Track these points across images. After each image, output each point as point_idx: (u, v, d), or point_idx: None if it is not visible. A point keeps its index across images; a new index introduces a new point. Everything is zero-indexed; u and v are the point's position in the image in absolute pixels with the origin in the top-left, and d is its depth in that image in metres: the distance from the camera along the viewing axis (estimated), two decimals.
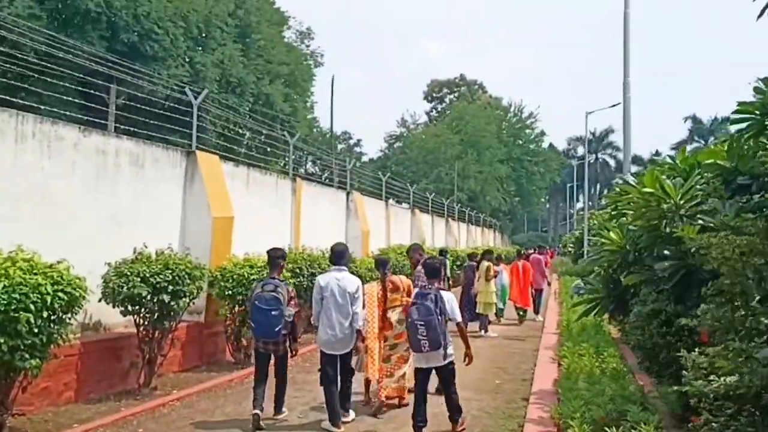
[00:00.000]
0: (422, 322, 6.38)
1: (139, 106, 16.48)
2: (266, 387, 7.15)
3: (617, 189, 11.41)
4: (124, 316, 8.45)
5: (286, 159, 17.04)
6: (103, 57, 19.21)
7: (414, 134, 62.26)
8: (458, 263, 25.66)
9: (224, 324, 10.43)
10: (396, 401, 7.80)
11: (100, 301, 8.13)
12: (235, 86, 28.88)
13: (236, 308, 10.19)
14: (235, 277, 10.11)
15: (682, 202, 6.56)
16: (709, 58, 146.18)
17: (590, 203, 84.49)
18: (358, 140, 76.26)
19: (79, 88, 19.11)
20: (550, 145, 76.14)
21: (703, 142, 78.70)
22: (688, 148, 74.51)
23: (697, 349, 4.96)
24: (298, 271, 12.07)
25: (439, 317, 6.44)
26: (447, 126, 59.92)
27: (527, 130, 68.37)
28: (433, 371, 6.70)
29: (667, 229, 6.50)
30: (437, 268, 6.98)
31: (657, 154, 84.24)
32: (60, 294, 6.19)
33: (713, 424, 4.50)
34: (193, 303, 9.22)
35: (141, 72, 20.69)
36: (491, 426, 7.15)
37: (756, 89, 5.24)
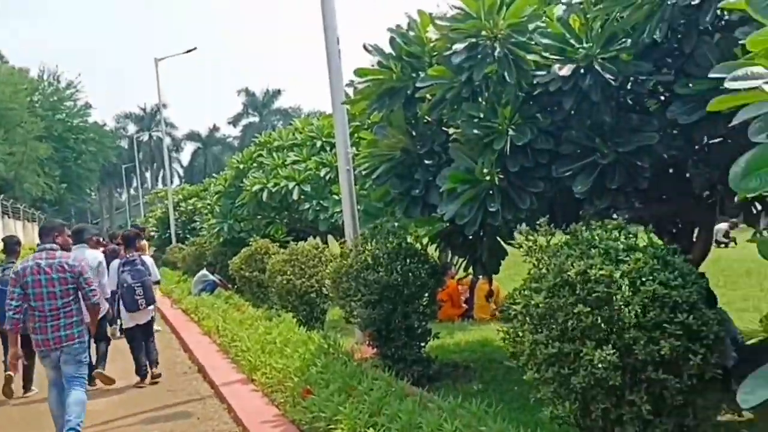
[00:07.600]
0: (139, 284, 7.49)
1: None
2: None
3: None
4: None
5: None
6: None
7: None
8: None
9: None
10: None
11: None
12: None
13: None
14: None
15: None
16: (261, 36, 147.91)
17: (152, 184, 76.77)
18: None
19: None
20: (95, 123, 65.47)
21: (257, 115, 77.92)
22: (243, 122, 71.60)
23: None
24: None
25: (149, 278, 7.75)
26: None
27: (67, 102, 57.23)
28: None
29: None
30: (132, 238, 8.13)
31: (215, 128, 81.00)
32: None
33: None
34: None
35: None
36: None
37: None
